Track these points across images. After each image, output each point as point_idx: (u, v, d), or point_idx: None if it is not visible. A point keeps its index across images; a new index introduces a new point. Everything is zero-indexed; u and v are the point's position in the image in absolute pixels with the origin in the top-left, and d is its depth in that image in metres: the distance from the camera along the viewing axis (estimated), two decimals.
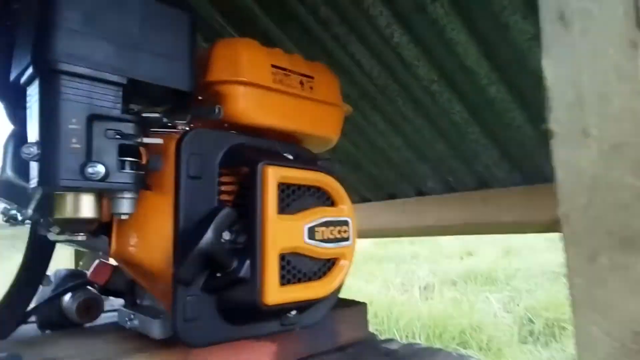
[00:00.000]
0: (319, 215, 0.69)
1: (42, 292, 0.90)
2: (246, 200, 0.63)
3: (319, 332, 0.87)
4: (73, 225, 0.58)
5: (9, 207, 0.66)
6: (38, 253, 0.80)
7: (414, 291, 5.01)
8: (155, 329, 0.71)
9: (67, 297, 0.88)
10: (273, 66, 0.73)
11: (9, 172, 0.65)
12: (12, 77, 0.58)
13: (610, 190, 0.36)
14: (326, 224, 0.70)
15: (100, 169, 0.53)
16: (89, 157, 0.53)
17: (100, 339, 0.78)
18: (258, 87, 0.70)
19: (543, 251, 6.16)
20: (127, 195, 0.57)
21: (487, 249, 6.57)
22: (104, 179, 0.54)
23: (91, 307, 0.87)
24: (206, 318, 0.63)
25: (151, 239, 0.63)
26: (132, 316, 0.76)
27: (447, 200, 1.44)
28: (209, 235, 0.56)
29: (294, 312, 0.71)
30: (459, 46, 0.94)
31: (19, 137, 0.65)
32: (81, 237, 0.59)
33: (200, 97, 0.69)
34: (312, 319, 0.75)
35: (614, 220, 0.36)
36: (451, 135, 1.21)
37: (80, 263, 1.66)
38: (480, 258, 6.17)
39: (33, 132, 0.53)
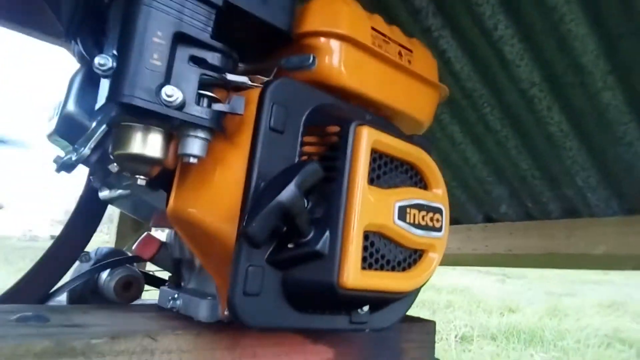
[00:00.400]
0: (412, 195, 0.58)
1: (80, 268, 0.84)
2: (333, 164, 0.53)
3: (383, 347, 0.75)
4: (136, 165, 0.50)
5: (62, 154, 0.60)
6: (85, 214, 0.74)
7: (449, 341, 4.68)
8: (203, 310, 0.62)
9: (104, 274, 0.80)
10: (373, 29, 0.65)
11: (72, 108, 0.59)
12: None
13: None
14: (419, 206, 0.58)
15: (179, 94, 0.45)
16: (167, 79, 0.45)
17: (136, 314, 0.69)
18: (357, 46, 0.62)
19: (592, 315, 5.68)
20: (201, 134, 0.49)
21: (530, 308, 6.13)
22: (180, 107, 0.46)
23: (131, 286, 0.79)
24: (268, 296, 0.52)
25: (218, 195, 0.54)
26: (175, 295, 0.67)
27: (521, 228, 1.29)
28: (291, 188, 0.46)
29: (366, 308, 0.60)
30: (576, 40, 0.82)
31: (86, 73, 0.60)
32: (141, 180, 0.51)
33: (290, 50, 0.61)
34: (384, 321, 0.63)
35: None
36: (543, 151, 1.08)
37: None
38: (522, 315, 5.73)
39: (110, 46, 0.46)
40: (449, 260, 1.59)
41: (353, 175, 0.52)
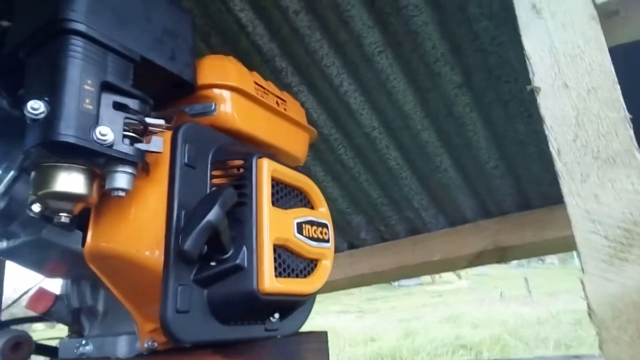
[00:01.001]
0: (305, 214, 0.71)
1: None
2: (242, 191, 0.64)
3: (287, 356, 0.83)
4: (60, 203, 0.52)
5: None
6: None
7: None
8: (122, 347, 0.64)
9: None
10: (255, 82, 0.79)
11: None
12: (7, 50, 0.55)
13: (591, 123, 0.47)
14: (311, 222, 0.72)
15: (110, 134, 0.51)
16: (97, 121, 0.51)
17: None
18: (245, 95, 0.75)
19: (437, 330, 6.56)
20: (128, 169, 0.54)
21: (387, 335, 6.77)
22: (110, 146, 0.52)
23: (21, 346, 0.73)
24: (196, 312, 0.58)
25: (138, 228, 0.59)
26: (83, 342, 0.66)
27: (379, 249, 1.53)
28: (216, 209, 0.55)
29: (277, 316, 0.69)
30: (399, 93, 1.10)
31: None
32: (65, 217, 0.53)
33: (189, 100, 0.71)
34: (291, 327, 0.73)
35: (597, 146, 0.47)
36: (387, 182, 1.34)
37: None
38: (382, 342, 6.30)
39: (37, 93, 0.50)
40: (326, 287, 1.74)
41: (260, 199, 0.63)
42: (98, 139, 0.50)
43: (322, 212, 0.76)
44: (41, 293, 0.71)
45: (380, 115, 1.18)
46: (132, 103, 0.56)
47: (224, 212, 0.56)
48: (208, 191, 0.63)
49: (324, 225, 0.75)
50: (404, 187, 1.33)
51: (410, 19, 0.99)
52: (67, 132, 0.48)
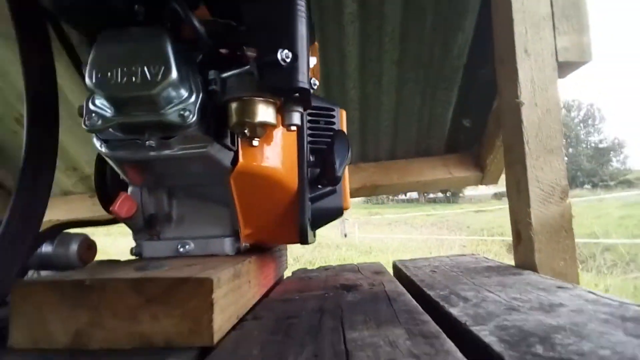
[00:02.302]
0: None
1: None
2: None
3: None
4: (259, 129, 0.63)
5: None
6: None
7: None
8: (227, 246, 0.77)
9: (47, 246, 0.71)
10: None
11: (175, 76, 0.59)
12: None
13: (545, 129, 0.90)
14: None
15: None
16: None
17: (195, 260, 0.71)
18: None
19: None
20: (301, 109, 0.68)
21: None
22: None
23: (92, 247, 0.74)
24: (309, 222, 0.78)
25: (281, 154, 0.74)
26: (185, 242, 0.76)
27: None
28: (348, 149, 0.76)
29: None
30: (349, 54, 1.36)
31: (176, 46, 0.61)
32: (255, 141, 0.65)
33: None
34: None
35: (546, 142, 0.90)
36: None
37: None
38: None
39: (273, 41, 0.59)
40: None
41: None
42: (312, 85, 0.64)
43: None
44: (126, 199, 0.74)
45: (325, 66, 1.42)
46: None
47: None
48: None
49: None
50: None
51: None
52: (305, 80, 0.61)
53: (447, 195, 29.56)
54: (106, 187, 0.83)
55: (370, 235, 11.31)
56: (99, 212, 1.44)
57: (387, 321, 0.55)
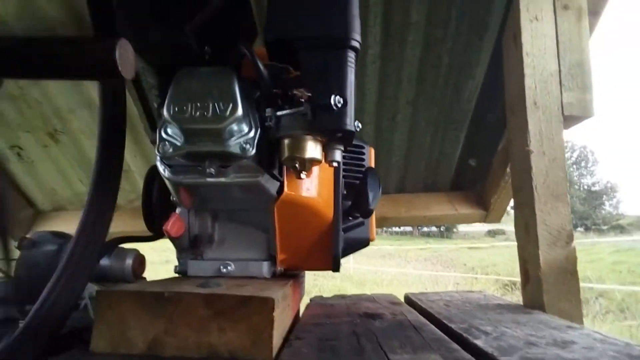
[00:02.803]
0: None
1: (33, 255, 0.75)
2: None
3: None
4: (307, 164, 0.71)
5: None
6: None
7: None
8: (265, 269, 0.84)
9: (105, 259, 0.77)
10: None
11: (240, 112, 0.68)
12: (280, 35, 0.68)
13: (551, 176, 0.98)
14: None
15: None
16: None
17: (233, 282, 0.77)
18: None
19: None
20: (342, 147, 0.76)
21: None
22: None
23: (143, 262, 0.80)
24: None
25: (319, 188, 0.81)
26: (227, 263, 0.83)
27: None
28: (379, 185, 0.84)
29: None
30: (369, 91, 1.46)
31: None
32: (303, 175, 0.72)
33: None
34: None
35: (553, 188, 0.98)
36: None
37: None
38: None
39: (325, 87, 0.68)
40: None
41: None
42: (356, 127, 0.72)
43: None
44: (177, 219, 0.81)
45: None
46: None
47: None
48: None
49: None
50: None
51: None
52: (351, 123, 0.69)
53: (441, 229, 29.62)
54: (152, 208, 0.89)
55: (364, 266, 11.28)
56: (133, 227, 1.50)
57: (421, 347, 0.61)
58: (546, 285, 0.96)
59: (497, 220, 1.91)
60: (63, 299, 0.66)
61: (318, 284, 7.20)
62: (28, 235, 0.83)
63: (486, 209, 1.85)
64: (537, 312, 0.93)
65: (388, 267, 11.55)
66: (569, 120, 1.09)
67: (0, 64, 0.42)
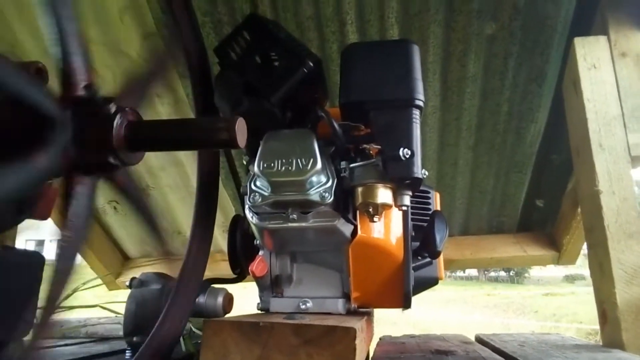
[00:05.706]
0: None
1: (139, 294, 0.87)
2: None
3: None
4: (380, 208, 0.79)
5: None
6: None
7: None
8: (340, 305, 0.90)
9: (200, 297, 0.89)
10: None
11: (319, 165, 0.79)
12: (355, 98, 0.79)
13: (623, 215, 0.98)
14: None
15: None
16: None
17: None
18: None
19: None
20: (410, 193, 0.83)
21: None
22: None
23: (230, 301, 0.90)
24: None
25: (390, 230, 0.88)
26: (305, 300, 0.91)
27: None
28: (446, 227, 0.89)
29: None
30: (430, 140, 1.53)
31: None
32: (377, 218, 0.80)
33: None
34: None
35: (625, 227, 0.98)
36: None
37: None
38: None
39: (394, 140, 0.76)
40: None
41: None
42: (423, 174, 0.79)
43: None
44: (261, 261, 0.91)
45: None
46: None
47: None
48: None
49: None
50: None
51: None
52: (418, 171, 0.76)
53: (511, 274, 27.74)
54: (236, 253, 1.00)
55: (426, 313, 10.82)
56: (210, 271, 1.65)
57: None
58: (624, 324, 0.94)
59: (572, 261, 1.85)
60: (171, 331, 0.77)
61: (378, 331, 7.00)
62: (136, 276, 0.97)
63: (558, 250, 1.80)
64: (616, 350, 0.91)
65: (453, 314, 10.99)
66: (637, 160, 1.09)
67: (151, 140, 0.55)
